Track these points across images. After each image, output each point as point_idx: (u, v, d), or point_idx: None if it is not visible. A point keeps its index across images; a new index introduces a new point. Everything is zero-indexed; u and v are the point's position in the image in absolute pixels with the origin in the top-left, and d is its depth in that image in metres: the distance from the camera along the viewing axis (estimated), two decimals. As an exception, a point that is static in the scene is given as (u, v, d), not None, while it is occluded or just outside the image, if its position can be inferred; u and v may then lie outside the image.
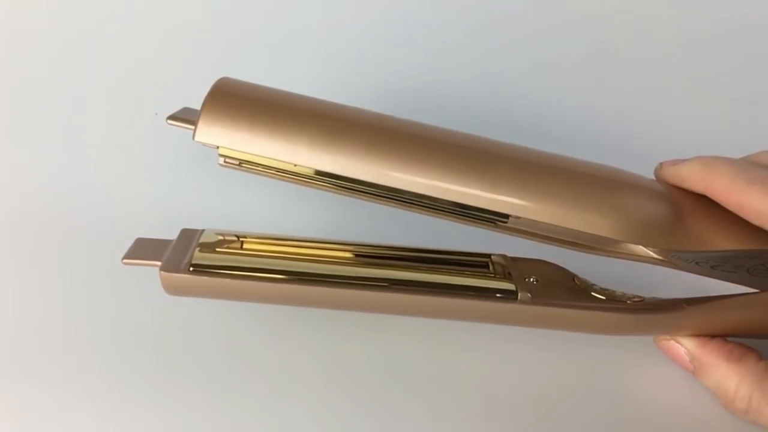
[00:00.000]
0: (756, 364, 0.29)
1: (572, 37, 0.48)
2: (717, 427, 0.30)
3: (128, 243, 0.32)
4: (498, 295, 0.30)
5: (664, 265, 0.31)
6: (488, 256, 0.33)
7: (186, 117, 0.30)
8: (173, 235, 0.32)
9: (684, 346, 0.31)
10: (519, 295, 0.30)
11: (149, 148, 0.43)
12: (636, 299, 0.31)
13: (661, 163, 0.30)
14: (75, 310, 0.34)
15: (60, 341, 0.33)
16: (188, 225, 0.34)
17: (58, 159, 0.42)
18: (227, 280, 0.30)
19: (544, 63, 0.47)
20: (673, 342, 0.31)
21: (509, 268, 0.32)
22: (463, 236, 0.34)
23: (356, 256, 0.32)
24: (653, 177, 0.30)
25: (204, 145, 0.28)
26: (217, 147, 0.28)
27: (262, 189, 0.41)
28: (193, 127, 0.28)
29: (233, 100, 0.28)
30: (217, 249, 0.31)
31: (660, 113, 0.45)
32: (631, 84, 0.47)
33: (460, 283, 0.31)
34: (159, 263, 0.30)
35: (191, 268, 0.30)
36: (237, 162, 0.29)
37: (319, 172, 0.28)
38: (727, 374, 0.29)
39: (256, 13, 0.48)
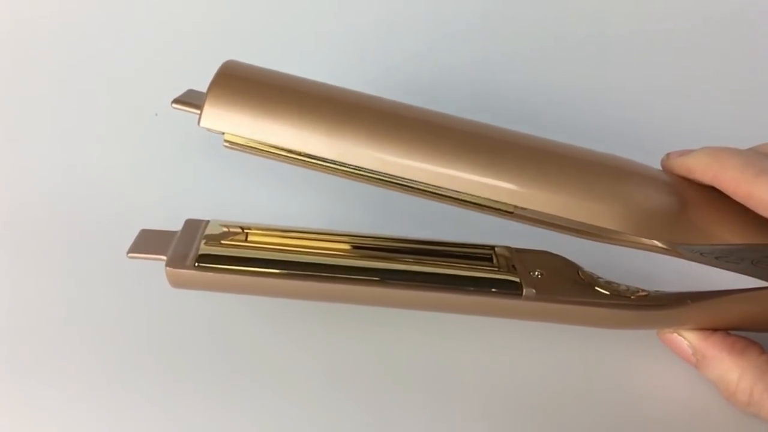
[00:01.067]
0: (758, 358, 0.29)
1: (578, 29, 0.47)
2: (718, 420, 0.30)
3: (130, 238, 0.32)
4: (502, 290, 0.30)
5: (668, 254, 0.31)
6: (492, 248, 0.33)
7: (191, 101, 0.29)
8: (177, 227, 0.32)
9: (687, 339, 0.31)
10: (524, 291, 0.30)
11: (150, 143, 0.43)
12: (640, 293, 0.31)
13: (668, 154, 0.30)
14: (76, 306, 0.34)
15: (62, 336, 0.32)
16: (191, 217, 0.33)
17: (58, 156, 0.42)
18: (233, 276, 0.30)
19: (550, 55, 0.47)
20: (675, 335, 0.31)
21: (513, 260, 0.32)
22: (468, 222, 0.34)
23: (359, 248, 0.32)
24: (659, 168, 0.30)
25: (209, 131, 0.27)
26: (223, 133, 0.28)
27: (265, 175, 0.41)
28: (198, 111, 0.27)
29: (240, 84, 0.27)
30: (222, 241, 0.31)
31: (666, 105, 0.45)
32: (637, 76, 0.46)
33: (464, 276, 0.30)
34: (164, 258, 0.30)
35: (197, 264, 0.30)
36: (242, 146, 0.28)
37: (325, 159, 0.28)
38: (729, 367, 0.29)
39: (257, 8, 0.48)
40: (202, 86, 0.28)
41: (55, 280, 0.35)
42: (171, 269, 0.29)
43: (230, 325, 0.33)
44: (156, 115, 0.44)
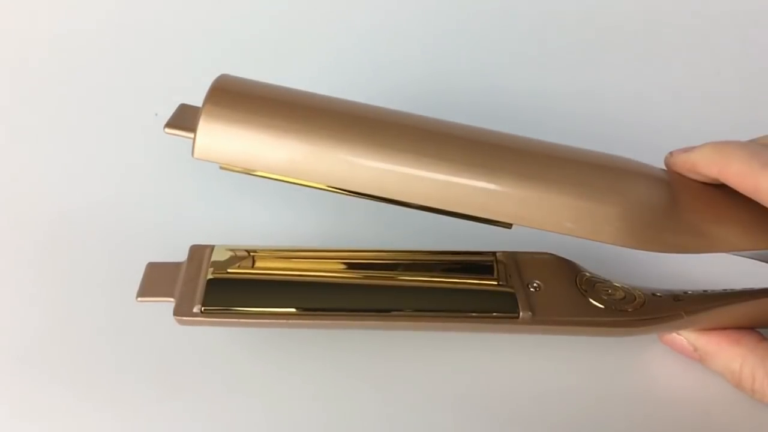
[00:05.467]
0: (757, 345, 0.30)
1: (574, 32, 0.48)
2: (731, 408, 0.31)
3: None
4: (499, 314, 0.30)
5: None
6: (494, 254, 0.33)
7: (184, 124, 0.28)
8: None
9: (686, 339, 0.31)
10: (520, 315, 0.30)
11: (150, 144, 0.42)
12: (637, 301, 0.31)
13: (671, 152, 0.29)
14: (74, 321, 0.34)
15: (57, 343, 0.32)
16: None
17: (56, 162, 0.42)
18: (240, 319, 0.30)
19: (547, 59, 0.47)
20: (675, 335, 0.32)
21: (513, 269, 0.32)
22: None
23: (360, 267, 0.32)
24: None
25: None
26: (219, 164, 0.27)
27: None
28: (191, 135, 0.27)
29: (232, 112, 0.26)
30: (229, 270, 0.31)
31: (666, 107, 0.46)
32: (636, 77, 0.47)
33: (464, 300, 0.31)
34: (173, 300, 0.30)
35: (203, 309, 0.30)
36: (239, 171, 0.28)
37: (325, 186, 0.28)
38: (730, 357, 0.30)
39: (258, 13, 0.48)
40: (201, 86, 0.27)
41: (56, 292, 0.35)
42: (179, 318, 0.30)
43: (231, 343, 0.33)
44: (156, 115, 0.43)
